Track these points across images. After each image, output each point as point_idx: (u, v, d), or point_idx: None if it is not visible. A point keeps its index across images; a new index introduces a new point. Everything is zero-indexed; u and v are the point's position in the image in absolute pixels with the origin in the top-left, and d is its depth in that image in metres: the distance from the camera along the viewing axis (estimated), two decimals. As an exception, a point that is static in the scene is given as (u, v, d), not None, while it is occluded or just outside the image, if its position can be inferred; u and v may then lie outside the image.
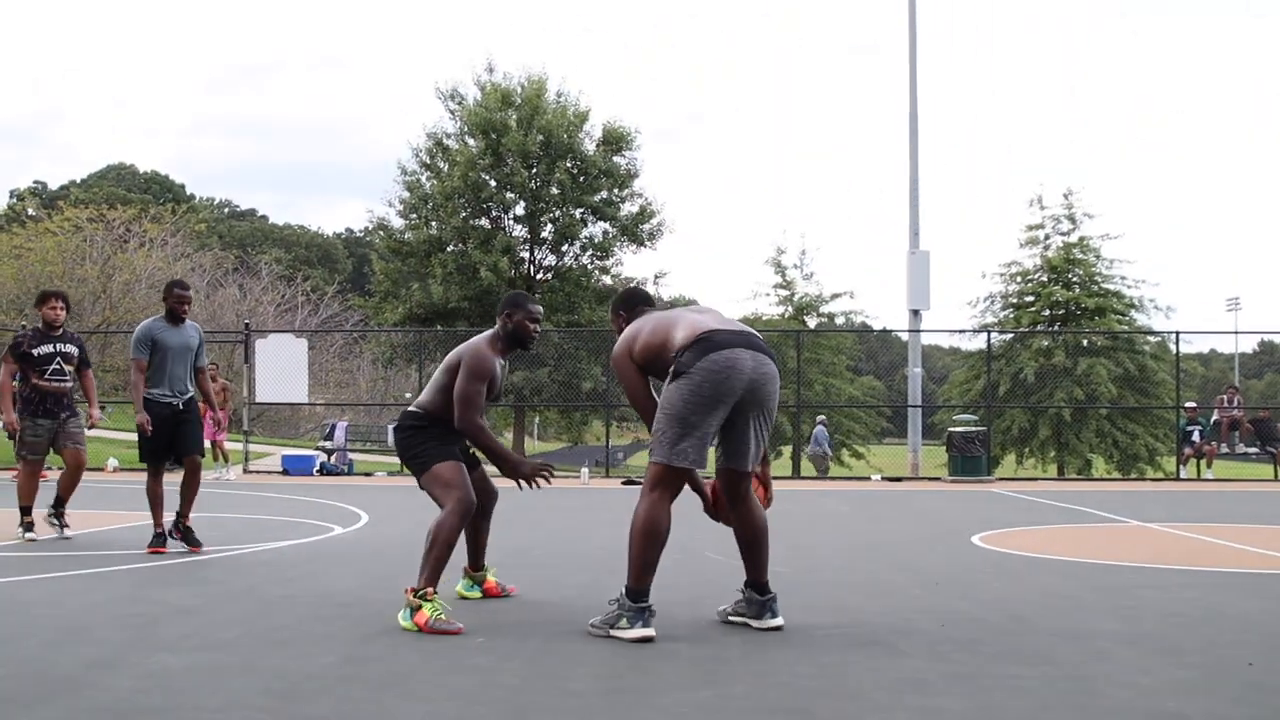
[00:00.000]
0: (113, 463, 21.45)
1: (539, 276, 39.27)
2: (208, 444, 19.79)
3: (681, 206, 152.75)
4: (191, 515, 8.34)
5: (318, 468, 21.37)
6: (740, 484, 5.40)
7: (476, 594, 6.36)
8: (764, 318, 38.96)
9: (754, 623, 5.41)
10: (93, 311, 38.70)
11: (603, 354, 30.32)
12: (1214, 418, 23.74)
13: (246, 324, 25.95)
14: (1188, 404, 24.06)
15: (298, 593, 6.45)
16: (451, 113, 38.74)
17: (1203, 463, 22.68)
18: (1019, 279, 36.15)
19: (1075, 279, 35.04)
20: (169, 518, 8.30)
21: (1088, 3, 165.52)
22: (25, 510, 9.15)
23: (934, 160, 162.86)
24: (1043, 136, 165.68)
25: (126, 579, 7.02)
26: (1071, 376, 32.37)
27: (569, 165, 37.46)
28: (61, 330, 9.29)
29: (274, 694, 4.05)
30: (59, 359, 9.22)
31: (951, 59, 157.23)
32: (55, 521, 9.23)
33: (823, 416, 27.06)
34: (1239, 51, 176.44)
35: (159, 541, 8.26)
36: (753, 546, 5.44)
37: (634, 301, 5.80)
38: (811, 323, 38.01)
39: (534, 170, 37.38)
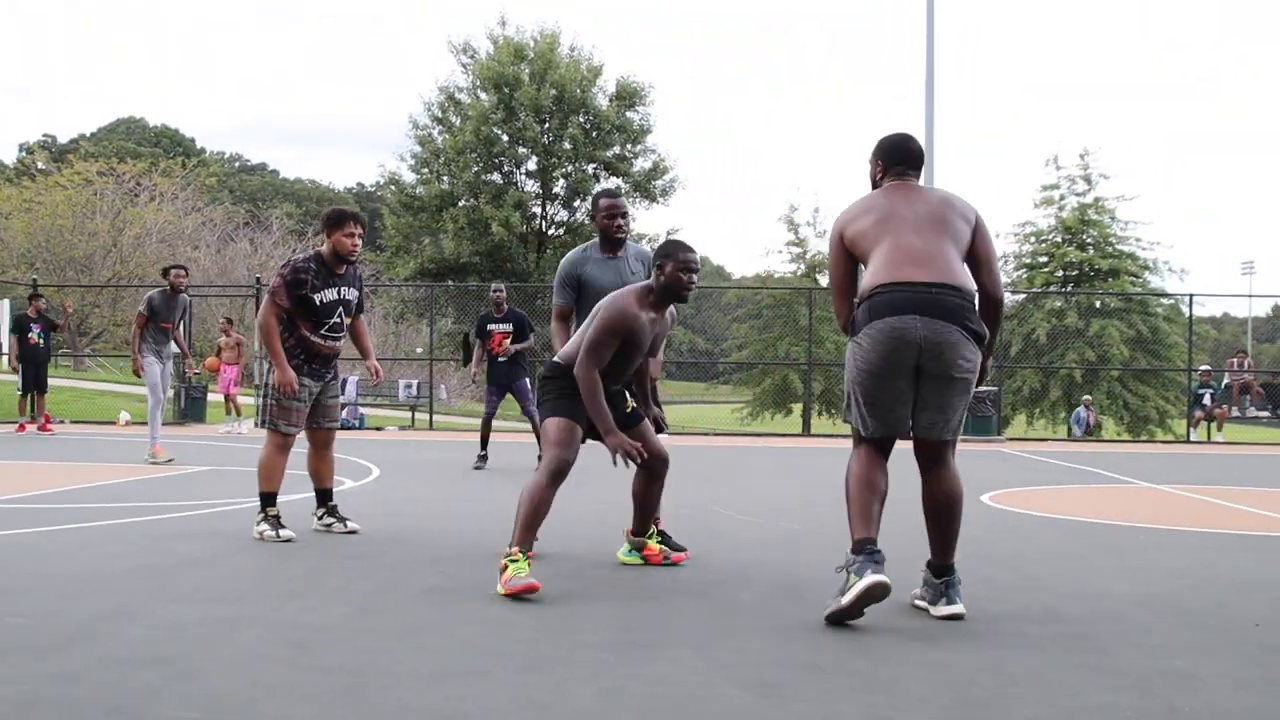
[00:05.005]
0: (124, 416, 21.54)
1: (550, 232, 39.22)
2: (222, 397, 19.94)
3: (694, 163, 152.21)
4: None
5: (329, 422, 21.40)
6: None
7: (637, 560, 5.92)
8: (776, 275, 38.95)
9: (931, 609, 4.73)
10: (104, 266, 38.72)
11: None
12: (1225, 381, 23.71)
13: (258, 278, 25.99)
14: (1201, 367, 24.02)
15: (310, 545, 6.49)
16: (464, 66, 38.69)
17: (1213, 426, 22.67)
18: (1033, 239, 36.16)
19: (1090, 240, 34.98)
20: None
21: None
22: (268, 498, 6.75)
23: (950, 118, 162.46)
24: (1060, 95, 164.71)
25: (140, 531, 7.05)
26: (1084, 338, 32.35)
27: (582, 120, 37.38)
28: (346, 269, 6.90)
29: (287, 645, 4.07)
30: (341, 309, 6.86)
31: (970, 14, 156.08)
32: (333, 521, 7.02)
33: (1088, 398, 27.47)
34: (1258, 9, 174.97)
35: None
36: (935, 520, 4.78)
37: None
38: (824, 281, 37.96)
39: (546, 125, 37.30)
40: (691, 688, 3.59)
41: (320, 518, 7.05)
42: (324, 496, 7.08)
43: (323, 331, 6.77)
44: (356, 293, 6.98)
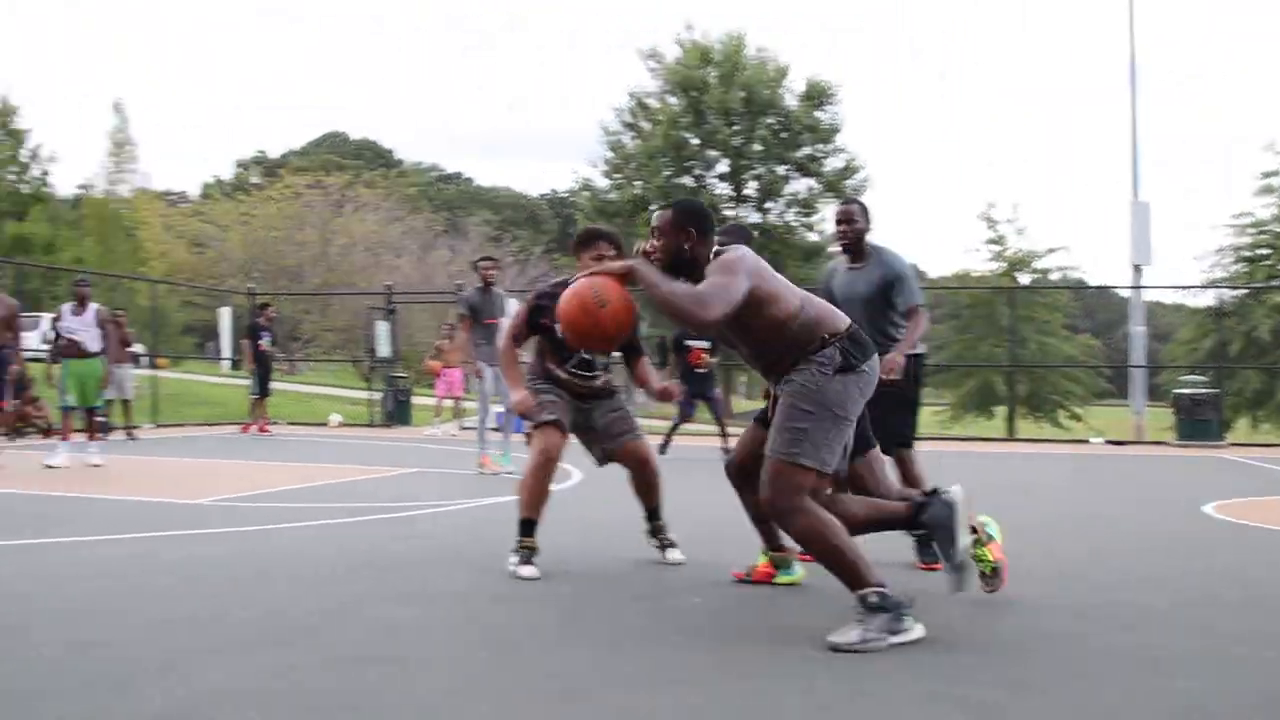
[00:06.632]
0: (335, 418, 22.28)
1: (744, 235, 39.03)
2: (432, 401, 20.41)
3: (888, 161, 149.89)
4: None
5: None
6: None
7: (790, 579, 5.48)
8: (975, 274, 38.12)
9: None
10: (313, 273, 40.18)
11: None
12: None
13: (458, 285, 26.57)
14: None
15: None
16: (652, 71, 38.93)
17: None
18: (1252, 230, 34.20)
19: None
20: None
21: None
22: (528, 526, 5.71)
23: (1156, 106, 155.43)
24: (1274, 74, 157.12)
25: (358, 531, 7.23)
26: (1316, 334, 30.61)
27: (771, 121, 37.23)
28: None
29: (495, 647, 4.13)
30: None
31: (1170, 3, 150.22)
32: (661, 543, 6.11)
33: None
34: None
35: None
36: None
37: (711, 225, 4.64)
38: (1024, 279, 36.92)
39: (736, 127, 37.26)
40: (635, 693, 3.59)
41: (652, 540, 6.19)
42: (650, 514, 6.18)
43: (570, 367, 5.90)
44: None
